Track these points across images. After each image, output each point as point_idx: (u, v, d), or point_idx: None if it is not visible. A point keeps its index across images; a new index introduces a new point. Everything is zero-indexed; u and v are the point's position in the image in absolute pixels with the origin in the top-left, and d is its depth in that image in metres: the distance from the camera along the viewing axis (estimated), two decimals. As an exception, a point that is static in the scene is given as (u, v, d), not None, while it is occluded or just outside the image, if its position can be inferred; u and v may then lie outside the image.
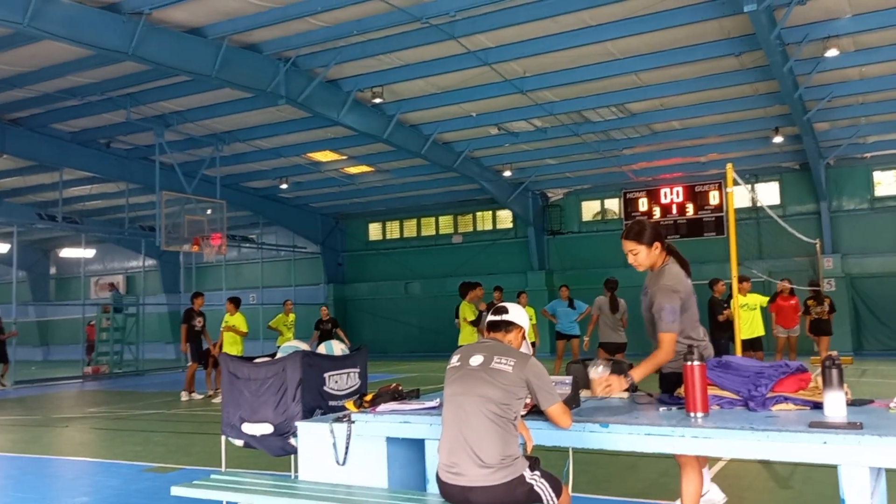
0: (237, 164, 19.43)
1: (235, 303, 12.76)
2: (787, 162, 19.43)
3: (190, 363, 13.27)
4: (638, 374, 3.78)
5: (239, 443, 4.81)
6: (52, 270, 32.45)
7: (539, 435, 3.45)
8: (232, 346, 12.30)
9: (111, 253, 29.97)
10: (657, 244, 3.98)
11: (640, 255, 3.97)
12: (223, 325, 12.50)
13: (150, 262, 25.75)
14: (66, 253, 28.72)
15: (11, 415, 11.75)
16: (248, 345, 19.64)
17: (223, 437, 4.87)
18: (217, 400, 12.27)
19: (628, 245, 4.00)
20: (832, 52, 12.02)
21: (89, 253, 27.47)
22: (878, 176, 19.29)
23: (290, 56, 12.69)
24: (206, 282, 26.55)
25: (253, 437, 4.70)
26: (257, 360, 4.94)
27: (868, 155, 18.76)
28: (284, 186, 21.57)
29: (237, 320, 12.47)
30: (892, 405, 3.26)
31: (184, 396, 12.80)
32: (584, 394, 3.99)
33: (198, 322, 13.09)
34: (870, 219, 19.16)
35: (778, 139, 16.77)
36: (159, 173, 16.70)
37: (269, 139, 17.57)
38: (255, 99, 14.23)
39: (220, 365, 5.07)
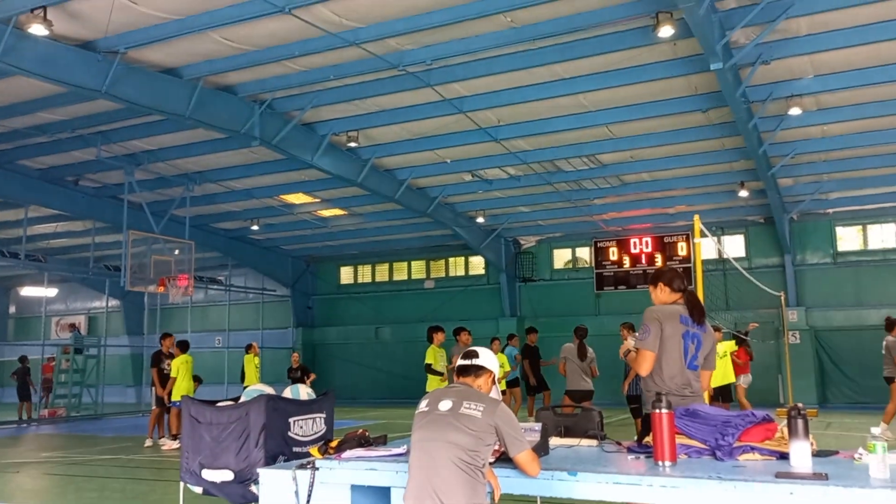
0: (208, 205, 19.29)
1: (180, 346, 12.53)
2: (753, 215, 19.83)
3: (154, 407, 12.78)
4: (627, 347, 4.65)
5: (198, 490, 4.68)
6: (12, 309, 31.65)
7: (507, 483, 3.40)
8: (177, 391, 11.99)
9: (74, 292, 29.36)
10: (660, 284, 4.33)
11: (651, 294, 4.39)
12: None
13: (113, 302, 25.25)
14: (27, 291, 28.09)
15: (-40, 458, 11.29)
16: (214, 389, 19.33)
17: (181, 484, 4.73)
18: (167, 447, 11.96)
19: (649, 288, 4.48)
20: (795, 111, 12.41)
21: (51, 292, 26.86)
22: (840, 231, 19.76)
23: (265, 98, 12.75)
24: (172, 324, 26.04)
25: (213, 483, 4.58)
26: (220, 404, 4.83)
27: (830, 211, 19.25)
28: (255, 228, 21.44)
29: (173, 364, 12.29)
30: (856, 456, 3.27)
31: (163, 443, 12.35)
32: (553, 441, 3.95)
33: (167, 365, 12.59)
34: (833, 273, 19.55)
35: (743, 193, 17.14)
36: (127, 212, 16.49)
37: (241, 180, 17.51)
38: (228, 140, 14.22)
39: (182, 408, 4.94)
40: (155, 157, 15.70)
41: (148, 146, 15.29)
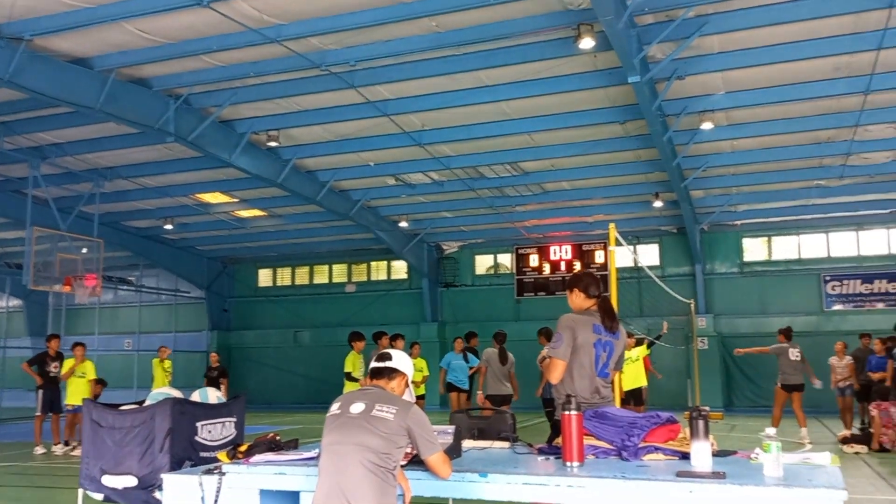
0: (118, 202, 18.53)
1: (82, 348, 12.28)
2: (666, 225, 20.54)
3: (38, 413, 12.20)
4: (543, 355, 4.25)
5: (98, 496, 4.49)
6: None
7: (418, 486, 3.39)
8: (75, 395, 11.71)
9: (-29, 291, 27.69)
10: (576, 290, 4.33)
11: (568, 299, 4.40)
12: (65, 371, 12.04)
13: (14, 302, 23.96)
14: (-81, 289, 26.27)
15: None
16: (123, 393, 18.55)
17: (80, 491, 4.52)
18: (60, 452, 11.52)
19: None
20: (707, 125, 12.93)
21: (-54, 290, 25.23)
22: (746, 243, 20.72)
23: (181, 93, 12.36)
24: (78, 325, 24.92)
25: (114, 490, 4.40)
26: (123, 408, 4.64)
27: (738, 223, 20.17)
28: (169, 227, 20.73)
29: (86, 367, 12.08)
30: (753, 456, 3.41)
31: (39, 450, 11.76)
32: (466, 444, 3.96)
33: (53, 367, 12.19)
34: (739, 282, 20.48)
35: (658, 204, 17.74)
36: (31, 208, 15.64)
37: (154, 177, 16.90)
38: (141, 135, 13.70)
39: (83, 412, 4.72)
40: (63, 150, 14.97)
41: (55, 139, 14.58)
